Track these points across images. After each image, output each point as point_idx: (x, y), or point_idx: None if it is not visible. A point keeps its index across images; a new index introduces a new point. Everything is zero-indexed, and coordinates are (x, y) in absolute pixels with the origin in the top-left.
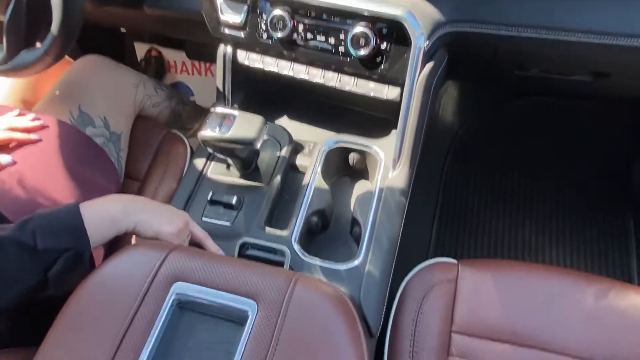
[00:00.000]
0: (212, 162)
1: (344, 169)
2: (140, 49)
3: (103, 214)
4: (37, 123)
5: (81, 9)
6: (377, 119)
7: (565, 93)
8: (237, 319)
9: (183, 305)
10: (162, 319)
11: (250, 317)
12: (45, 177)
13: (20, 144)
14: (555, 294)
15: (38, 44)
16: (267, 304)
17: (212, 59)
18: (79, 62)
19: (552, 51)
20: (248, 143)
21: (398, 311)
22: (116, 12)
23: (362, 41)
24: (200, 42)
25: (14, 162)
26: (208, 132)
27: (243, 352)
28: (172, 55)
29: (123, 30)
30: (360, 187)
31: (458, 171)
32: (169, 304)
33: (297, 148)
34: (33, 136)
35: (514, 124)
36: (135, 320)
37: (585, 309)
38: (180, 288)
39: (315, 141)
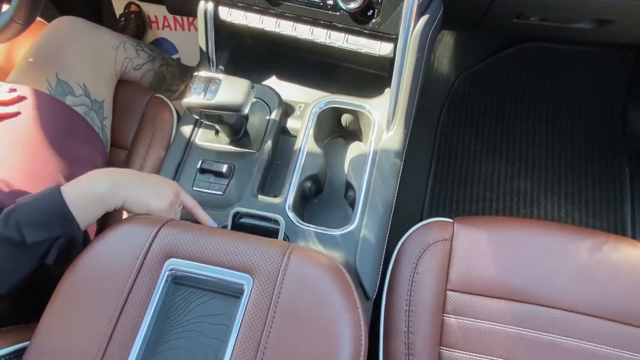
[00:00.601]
0: (200, 129)
1: (337, 130)
2: (119, 5)
3: (88, 194)
4: (14, 95)
5: None
6: (370, 75)
7: (566, 40)
8: (233, 292)
9: (178, 281)
10: (158, 295)
11: (246, 291)
12: (26, 152)
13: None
14: (549, 249)
15: (5, 7)
16: (262, 277)
17: (194, 13)
18: (52, 25)
19: None
20: (235, 109)
21: (394, 272)
22: None
23: None
24: None
25: None
26: (192, 98)
27: (240, 325)
28: (152, 10)
29: None
30: (354, 149)
31: (453, 124)
32: (164, 280)
33: (287, 110)
34: (11, 109)
35: (510, 71)
36: (131, 297)
37: (579, 264)
38: (174, 264)
39: (306, 102)
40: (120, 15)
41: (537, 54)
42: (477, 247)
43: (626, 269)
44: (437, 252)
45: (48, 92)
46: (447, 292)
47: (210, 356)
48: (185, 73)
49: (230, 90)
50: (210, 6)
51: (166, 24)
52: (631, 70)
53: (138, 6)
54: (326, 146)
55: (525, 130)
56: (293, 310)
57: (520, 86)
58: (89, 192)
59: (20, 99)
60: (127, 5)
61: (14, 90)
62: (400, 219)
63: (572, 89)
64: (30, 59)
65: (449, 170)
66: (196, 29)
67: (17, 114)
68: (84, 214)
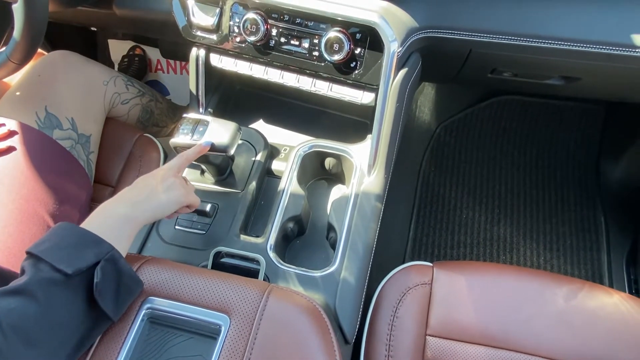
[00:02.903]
0: (186, 168)
1: (320, 172)
2: (115, 46)
3: (109, 217)
4: (4, 130)
5: (45, 14)
6: (353, 121)
7: (538, 94)
8: (210, 333)
9: (155, 320)
10: (133, 334)
11: (222, 331)
12: (13, 188)
13: None
14: (526, 295)
15: (2, 49)
16: (239, 318)
17: (187, 58)
18: (46, 58)
19: (523, 56)
20: (222, 150)
21: (374, 316)
22: (85, 11)
23: (336, 46)
24: (173, 41)
25: None
26: (180, 138)
27: None
28: (149, 53)
29: (93, 28)
30: (336, 192)
31: (435, 171)
32: (139, 319)
33: (272, 152)
34: (2, 146)
35: (489, 121)
36: (106, 334)
37: (556, 310)
38: (152, 302)
39: (291, 145)
40: (124, 57)
41: (513, 106)
42: (456, 292)
43: (601, 315)
44: (417, 295)
45: (36, 125)
46: (427, 337)
47: None
48: (174, 111)
49: (218, 131)
50: (202, 53)
51: (159, 67)
52: (602, 125)
53: (143, 50)
54: (309, 188)
55: (504, 178)
56: (269, 352)
57: (499, 136)
58: (109, 215)
59: (11, 133)
60: (133, 48)
61: (3, 125)
62: (383, 263)
63: (547, 140)
64: (19, 92)
65: (431, 215)
66: (188, 73)
67: (8, 149)
68: (112, 234)
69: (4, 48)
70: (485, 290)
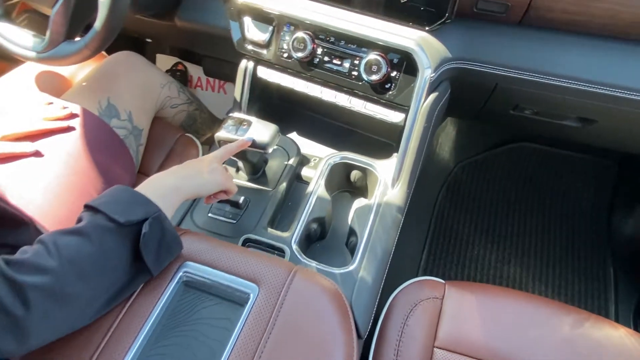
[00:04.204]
0: (223, 165)
1: (345, 185)
2: (161, 61)
3: (160, 187)
4: (67, 112)
5: (125, 12)
6: (380, 143)
7: (556, 137)
8: (239, 300)
9: (189, 283)
10: (168, 294)
11: (251, 299)
12: (67, 164)
13: (53, 132)
14: (534, 319)
15: (77, 38)
16: (267, 289)
17: (228, 77)
18: (114, 56)
19: (543, 93)
20: (261, 147)
21: (385, 320)
22: (146, 22)
23: (374, 68)
24: (218, 59)
25: (36, 152)
26: (224, 133)
27: (241, 330)
28: (191, 70)
29: (148, 40)
30: (359, 203)
31: (450, 205)
32: (176, 281)
33: (303, 160)
34: (63, 124)
35: (505, 165)
36: (143, 291)
37: (562, 336)
38: (188, 267)
39: (320, 157)
40: (167, 71)
41: (530, 153)
42: (466, 309)
43: (607, 345)
44: (428, 308)
45: (97, 112)
46: (435, 348)
47: (208, 356)
48: (213, 123)
49: (259, 130)
50: (251, 65)
51: (199, 83)
52: (615, 180)
53: (185, 67)
54: (334, 198)
55: (516, 221)
56: (292, 322)
57: (514, 181)
58: (161, 186)
59: (72, 115)
60: (176, 64)
61: (67, 108)
62: (396, 278)
63: (561, 189)
64: (85, 83)
65: (443, 248)
66: (225, 92)
67: (68, 128)
68: (161, 201)
69: (78, 38)
70: (495, 310)
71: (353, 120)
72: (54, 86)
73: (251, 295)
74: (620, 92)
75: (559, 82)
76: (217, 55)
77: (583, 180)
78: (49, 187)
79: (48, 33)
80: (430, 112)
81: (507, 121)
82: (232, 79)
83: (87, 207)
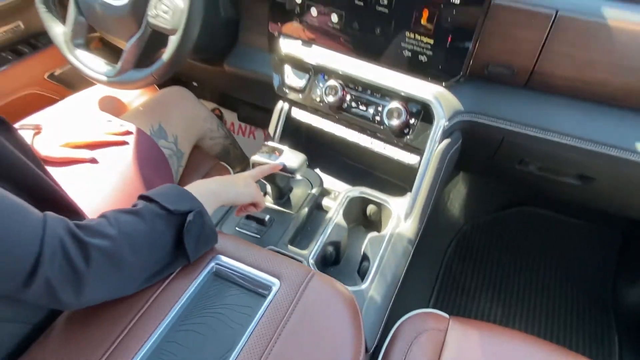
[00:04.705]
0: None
1: (361, 218)
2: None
3: (205, 190)
4: (123, 129)
5: (189, 49)
6: (394, 186)
7: (560, 198)
8: (261, 291)
9: (218, 274)
10: (200, 280)
11: (272, 292)
12: (118, 172)
13: (110, 144)
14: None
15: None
16: (288, 284)
17: (259, 124)
18: (169, 89)
19: (546, 149)
20: (290, 172)
21: (390, 345)
22: (198, 65)
23: (395, 114)
24: (253, 105)
25: (92, 159)
26: (259, 157)
27: (261, 318)
28: (226, 115)
29: (195, 84)
30: (372, 235)
31: (458, 259)
32: (207, 270)
33: (324, 192)
34: (119, 139)
35: (512, 227)
36: (179, 274)
37: None
38: (219, 259)
39: (340, 191)
40: None
41: (537, 218)
42: (468, 344)
43: None
44: (431, 338)
45: (149, 132)
46: None
47: (229, 336)
48: (244, 159)
49: (290, 157)
50: (286, 106)
51: (232, 128)
52: (619, 250)
53: (221, 112)
54: (349, 230)
55: (522, 280)
56: (307, 317)
57: (522, 242)
58: (204, 189)
59: (127, 132)
60: (213, 110)
61: (123, 125)
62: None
63: (566, 254)
64: (142, 108)
65: (450, 299)
66: (254, 137)
67: (123, 142)
68: (202, 200)
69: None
70: (497, 347)
71: (372, 161)
72: (113, 108)
73: (273, 288)
74: (613, 151)
75: (559, 139)
76: (253, 100)
77: (589, 247)
78: (100, 189)
79: (120, 62)
80: (442, 156)
81: (513, 177)
82: (262, 126)
83: (142, 197)
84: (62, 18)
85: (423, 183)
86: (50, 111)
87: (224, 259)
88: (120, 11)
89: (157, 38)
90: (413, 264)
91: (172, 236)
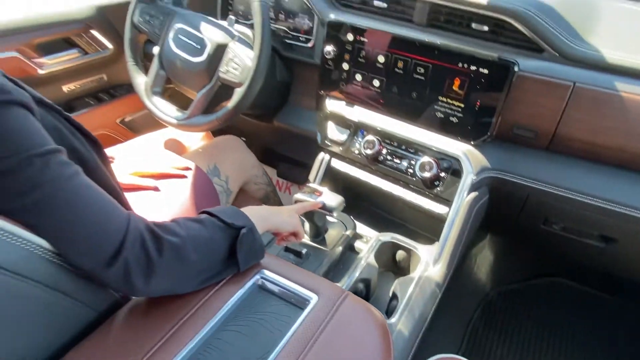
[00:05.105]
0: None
1: (391, 264)
2: None
3: (256, 213)
4: (184, 165)
5: (250, 102)
6: (423, 236)
7: (583, 259)
8: (300, 304)
9: (261, 286)
10: (245, 290)
11: (310, 305)
12: (176, 201)
13: (172, 176)
14: None
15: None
16: (325, 299)
17: (295, 180)
18: (225, 136)
19: (569, 208)
20: (329, 209)
21: None
22: (247, 121)
23: (427, 167)
24: (292, 162)
25: (155, 188)
26: (301, 195)
27: (299, 327)
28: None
29: (243, 139)
30: (402, 277)
31: (484, 325)
32: (252, 282)
33: (357, 235)
34: (179, 172)
35: (541, 297)
36: (227, 282)
37: None
38: (264, 274)
39: (371, 237)
40: None
41: (564, 289)
42: None
43: None
44: None
45: (205, 170)
46: None
47: (269, 340)
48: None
49: (329, 197)
50: (327, 157)
51: None
52: None
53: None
54: (379, 274)
55: (550, 351)
56: (340, 330)
57: (549, 312)
58: (255, 212)
59: (187, 168)
60: None
61: (184, 163)
62: None
63: (594, 327)
64: (201, 150)
65: None
66: (290, 193)
67: (182, 176)
68: (254, 223)
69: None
70: None
71: (403, 212)
72: (175, 148)
73: (310, 302)
74: (634, 212)
75: (581, 198)
76: (294, 155)
77: (621, 325)
78: (159, 214)
79: (190, 108)
80: (470, 207)
81: (538, 238)
82: (299, 182)
83: (204, 212)
84: (145, 70)
85: (451, 231)
86: (122, 147)
87: (268, 273)
88: (197, 67)
89: (223, 90)
90: (438, 324)
91: (227, 246)
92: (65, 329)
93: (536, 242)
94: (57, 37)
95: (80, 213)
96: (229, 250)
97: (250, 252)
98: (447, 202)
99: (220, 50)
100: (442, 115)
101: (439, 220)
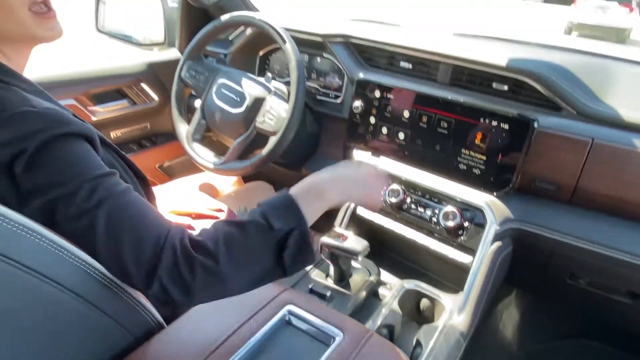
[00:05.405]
0: (316, 270)
1: (415, 312)
2: None
3: (312, 188)
4: (217, 207)
5: (282, 150)
6: (446, 285)
7: (611, 317)
8: (326, 340)
9: (289, 322)
10: (272, 324)
11: (336, 341)
12: None
13: (207, 217)
14: None
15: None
16: (350, 337)
17: (320, 229)
18: (254, 183)
19: (595, 262)
20: (354, 253)
21: None
22: (278, 169)
23: (450, 217)
24: None
25: (190, 226)
26: (327, 239)
27: None
28: None
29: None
30: (426, 326)
31: None
32: (280, 316)
33: (380, 282)
34: (213, 213)
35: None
36: (254, 317)
37: None
38: (292, 309)
39: (395, 284)
40: None
41: (594, 353)
42: None
43: None
44: None
45: (236, 212)
46: None
47: None
48: None
49: (354, 242)
50: (352, 204)
51: None
52: None
53: None
54: (402, 322)
55: None
56: None
57: None
58: (312, 185)
59: (220, 210)
60: None
61: (217, 204)
62: None
63: None
64: (233, 194)
65: None
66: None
67: (216, 217)
68: (309, 208)
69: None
70: None
71: (427, 261)
72: (209, 191)
73: (336, 338)
74: None
75: (608, 252)
76: None
77: None
78: None
79: (227, 155)
80: (494, 256)
81: (565, 293)
82: (322, 230)
83: (258, 205)
84: (187, 120)
85: (476, 280)
86: (162, 187)
87: (295, 309)
88: (236, 117)
89: (257, 139)
90: None
91: (273, 251)
92: (100, 348)
93: (563, 298)
94: (111, 88)
95: (127, 221)
96: (276, 253)
97: (298, 257)
98: (471, 251)
99: (258, 103)
100: (465, 167)
101: (463, 270)
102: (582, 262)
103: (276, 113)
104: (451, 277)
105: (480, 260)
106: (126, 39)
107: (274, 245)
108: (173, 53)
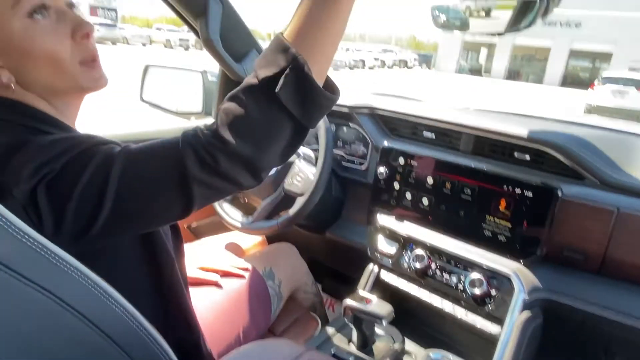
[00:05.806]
0: (338, 334)
1: None
2: None
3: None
4: (243, 266)
5: (310, 210)
6: (472, 358)
7: None
8: None
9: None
10: None
11: None
12: (233, 297)
13: (233, 275)
14: None
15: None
16: None
17: (339, 297)
18: (278, 244)
19: (632, 337)
20: (379, 317)
21: None
22: (299, 232)
23: (477, 284)
24: (337, 278)
25: (216, 283)
26: (351, 302)
27: None
28: None
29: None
30: None
31: None
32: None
33: (404, 350)
34: (239, 272)
35: None
36: None
37: None
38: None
39: (419, 353)
40: None
41: None
42: None
43: None
44: None
45: (261, 273)
46: None
47: None
48: (325, 320)
49: (378, 306)
50: (376, 269)
51: None
52: None
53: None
54: None
55: None
56: None
57: None
58: None
59: (245, 269)
60: None
61: (244, 264)
62: None
63: None
64: (258, 254)
65: None
66: (333, 310)
67: (241, 276)
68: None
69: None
70: None
71: (452, 331)
72: (235, 251)
73: None
74: None
75: None
76: (341, 267)
77: None
78: (216, 306)
79: (255, 214)
80: (524, 327)
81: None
82: (341, 298)
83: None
84: None
85: (505, 352)
86: (191, 245)
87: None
88: (266, 179)
89: (284, 200)
90: None
91: (274, 102)
92: None
93: None
94: None
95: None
96: (276, 106)
97: (298, 97)
98: (499, 320)
99: (286, 166)
100: (490, 234)
101: (491, 343)
102: (617, 336)
103: (304, 175)
104: (478, 348)
105: (509, 330)
106: (166, 109)
107: (267, 97)
108: (209, 121)
